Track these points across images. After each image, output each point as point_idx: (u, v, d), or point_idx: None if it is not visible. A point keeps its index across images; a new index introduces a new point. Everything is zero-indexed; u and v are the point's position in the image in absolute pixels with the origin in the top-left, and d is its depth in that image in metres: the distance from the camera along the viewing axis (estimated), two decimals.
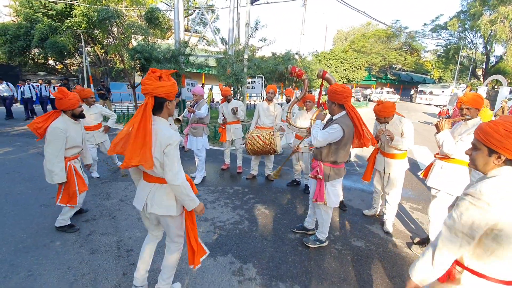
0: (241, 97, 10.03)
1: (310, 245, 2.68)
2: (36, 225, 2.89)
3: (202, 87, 5.41)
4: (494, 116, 11.10)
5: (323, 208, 2.58)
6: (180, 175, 1.59)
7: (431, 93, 25.83)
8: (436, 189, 2.60)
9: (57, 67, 20.04)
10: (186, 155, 5.74)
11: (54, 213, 3.13)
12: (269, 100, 4.28)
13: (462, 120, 2.45)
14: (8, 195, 3.58)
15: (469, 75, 29.50)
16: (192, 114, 4.13)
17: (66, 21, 15.41)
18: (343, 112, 2.36)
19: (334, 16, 69.53)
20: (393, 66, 35.25)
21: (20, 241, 2.59)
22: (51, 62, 19.44)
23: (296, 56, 13.17)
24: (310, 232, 2.92)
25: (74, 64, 18.74)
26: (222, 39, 10.57)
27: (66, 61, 17.43)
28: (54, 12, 15.95)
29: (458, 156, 2.39)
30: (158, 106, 1.61)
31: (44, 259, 2.35)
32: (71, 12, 15.66)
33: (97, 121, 4.17)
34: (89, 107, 4.04)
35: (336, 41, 41.93)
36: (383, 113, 2.81)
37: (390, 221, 3.12)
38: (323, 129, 2.41)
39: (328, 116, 2.60)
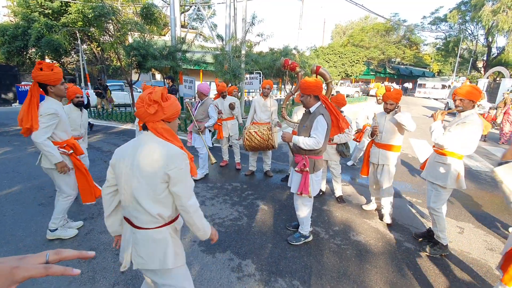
0: (239, 93, 9.95)
1: (294, 243, 2.67)
2: (35, 223, 2.89)
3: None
4: (496, 109, 11.04)
5: (302, 201, 2.59)
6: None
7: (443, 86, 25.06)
8: (430, 181, 2.61)
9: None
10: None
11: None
12: (265, 95, 4.27)
13: (455, 111, 2.46)
14: (7, 194, 3.58)
15: (469, 68, 29.25)
16: (196, 110, 4.08)
17: (62, 18, 15.30)
18: (319, 103, 2.44)
19: (332, 10, 68.94)
20: (392, 60, 34.94)
21: (20, 240, 2.59)
22: (48, 61, 19.33)
23: (294, 51, 13.01)
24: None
25: (71, 62, 18.62)
26: (219, 36, 10.46)
27: (62, 60, 17.31)
28: (50, 11, 15.83)
29: (450, 148, 2.42)
30: (43, 89, 2.26)
31: None
32: (67, 9, 15.54)
33: None
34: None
35: (335, 35, 41.53)
36: (400, 96, 2.92)
37: (388, 213, 3.14)
38: (303, 124, 2.48)
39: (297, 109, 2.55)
